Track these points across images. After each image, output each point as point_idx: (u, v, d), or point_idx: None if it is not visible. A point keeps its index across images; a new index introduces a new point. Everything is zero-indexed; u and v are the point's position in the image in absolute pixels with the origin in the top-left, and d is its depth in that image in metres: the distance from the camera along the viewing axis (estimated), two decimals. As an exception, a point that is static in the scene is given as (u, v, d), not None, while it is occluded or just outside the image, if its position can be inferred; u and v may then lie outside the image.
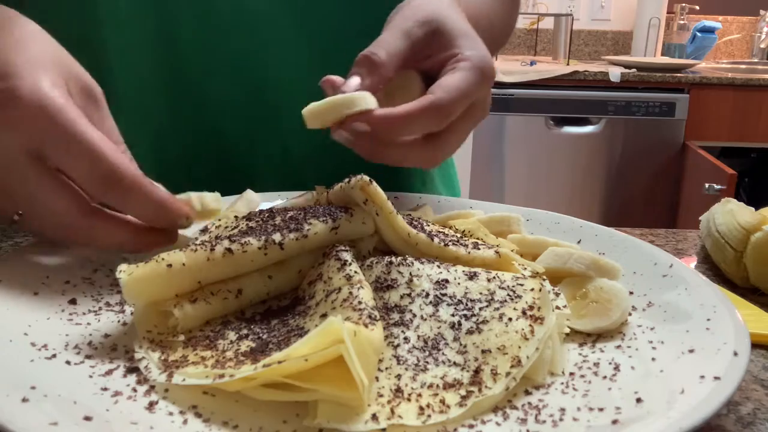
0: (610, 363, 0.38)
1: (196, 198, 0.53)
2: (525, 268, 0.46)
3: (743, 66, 2.88)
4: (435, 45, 0.53)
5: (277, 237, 0.42)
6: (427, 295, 0.40)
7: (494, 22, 0.75)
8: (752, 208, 0.58)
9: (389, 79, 0.51)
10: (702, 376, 0.34)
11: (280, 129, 0.71)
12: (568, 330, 0.41)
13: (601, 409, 0.33)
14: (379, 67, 0.50)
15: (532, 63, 2.56)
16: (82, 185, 0.44)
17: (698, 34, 2.78)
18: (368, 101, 0.47)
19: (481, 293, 0.41)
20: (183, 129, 0.69)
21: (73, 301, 0.43)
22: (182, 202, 0.47)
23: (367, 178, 0.46)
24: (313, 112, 0.47)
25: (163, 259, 0.39)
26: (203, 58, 0.66)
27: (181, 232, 0.48)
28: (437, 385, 0.35)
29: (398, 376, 0.35)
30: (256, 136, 0.71)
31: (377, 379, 0.35)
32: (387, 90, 0.52)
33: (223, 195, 0.57)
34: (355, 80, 0.49)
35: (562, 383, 0.36)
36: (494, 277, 0.42)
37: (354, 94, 0.47)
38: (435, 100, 0.48)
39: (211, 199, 0.54)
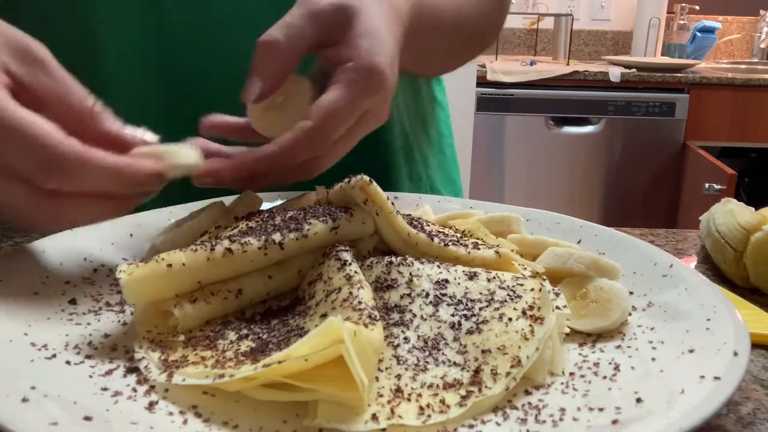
0: (610, 363, 0.38)
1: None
2: (525, 268, 0.46)
3: (743, 66, 2.88)
4: (340, 35, 0.48)
5: (277, 237, 0.42)
6: (427, 295, 0.40)
7: (465, 12, 0.71)
8: (752, 208, 0.58)
9: (289, 71, 0.48)
10: (702, 376, 0.34)
11: None
12: (568, 330, 0.41)
13: (601, 409, 0.33)
14: (281, 55, 0.46)
15: (532, 63, 2.56)
16: (27, 176, 0.41)
17: (698, 34, 2.78)
18: (190, 156, 0.46)
19: (481, 293, 0.41)
20: (177, 126, 0.68)
21: (73, 301, 0.43)
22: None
23: (367, 178, 0.46)
24: (143, 152, 0.45)
25: (163, 259, 0.39)
26: (200, 56, 0.66)
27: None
28: (437, 385, 0.35)
29: (398, 376, 0.35)
30: None
31: (377, 379, 0.35)
32: (274, 102, 0.49)
33: (217, 195, 0.57)
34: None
35: (562, 383, 0.36)
36: (494, 277, 0.42)
37: (176, 147, 0.46)
38: (310, 129, 0.45)
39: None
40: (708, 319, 0.40)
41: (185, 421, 0.32)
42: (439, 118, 0.87)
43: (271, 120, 0.49)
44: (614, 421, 0.32)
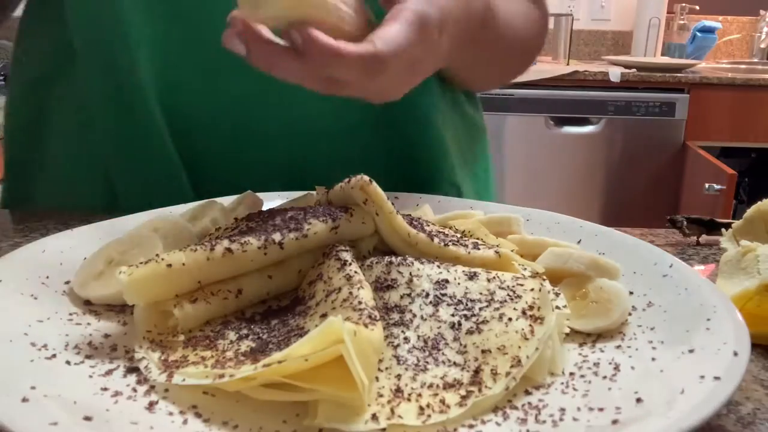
0: (610, 363, 0.38)
1: None
2: (525, 268, 0.46)
3: (743, 66, 2.87)
4: None
5: (276, 236, 0.42)
6: (427, 295, 0.40)
7: (525, 32, 0.72)
8: None
9: None
10: (702, 376, 0.34)
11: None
12: (568, 330, 0.41)
13: (601, 409, 0.34)
14: None
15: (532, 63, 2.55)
16: None
17: (698, 34, 2.78)
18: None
19: (481, 293, 0.41)
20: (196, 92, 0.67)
21: (73, 302, 0.43)
22: None
23: (367, 178, 0.46)
24: None
25: (163, 259, 0.39)
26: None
27: None
28: (437, 385, 0.35)
29: (398, 376, 0.35)
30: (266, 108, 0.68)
31: (377, 379, 0.35)
32: None
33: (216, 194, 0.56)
34: None
35: (562, 383, 0.36)
36: (494, 277, 0.42)
37: None
38: (376, 52, 0.43)
39: None
40: (708, 319, 0.40)
41: (185, 421, 0.32)
42: (485, 149, 0.85)
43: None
44: (614, 421, 0.32)
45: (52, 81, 0.70)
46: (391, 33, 0.44)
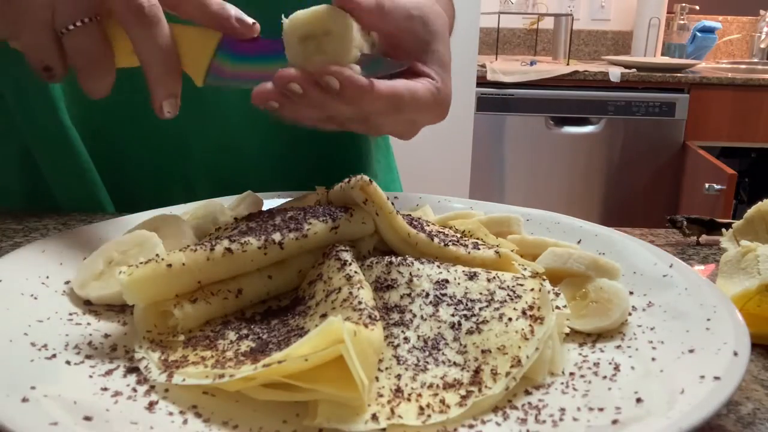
0: (610, 363, 0.38)
1: None
2: (525, 268, 0.46)
3: (743, 66, 2.88)
4: (413, 34, 0.51)
5: (276, 237, 0.42)
6: (427, 295, 0.40)
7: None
8: None
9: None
10: (702, 376, 0.34)
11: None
12: (568, 330, 0.41)
13: (601, 409, 0.33)
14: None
15: (532, 63, 2.56)
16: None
17: (698, 34, 2.78)
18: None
19: (481, 293, 0.41)
20: (119, 115, 0.69)
21: (73, 302, 0.43)
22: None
23: (367, 178, 0.46)
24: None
25: (163, 259, 0.39)
26: None
27: None
28: (437, 385, 0.35)
29: (398, 376, 0.35)
30: (192, 128, 0.71)
31: (377, 379, 0.35)
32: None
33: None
34: None
35: (562, 383, 0.36)
36: (494, 277, 0.42)
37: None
38: (407, 91, 0.47)
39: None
40: (708, 319, 0.40)
41: (185, 421, 0.32)
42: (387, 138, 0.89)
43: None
44: (614, 421, 0.32)
45: None
46: (418, 87, 0.49)
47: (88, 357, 0.37)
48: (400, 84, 0.47)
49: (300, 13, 0.44)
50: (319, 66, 0.44)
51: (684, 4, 2.82)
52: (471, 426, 0.33)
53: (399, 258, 0.43)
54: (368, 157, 0.80)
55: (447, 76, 0.52)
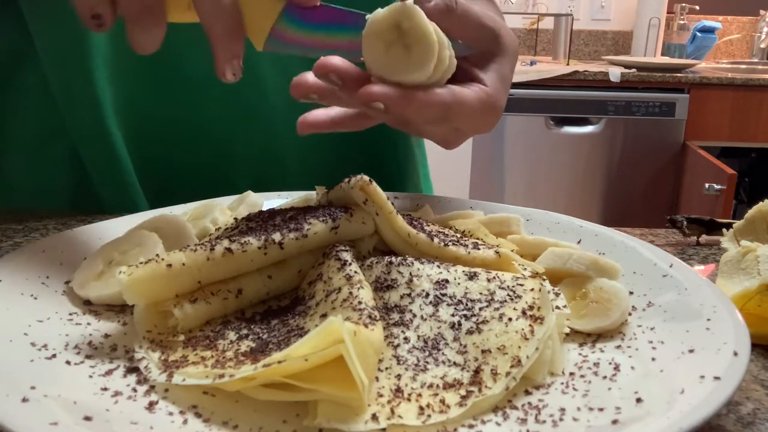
0: (610, 363, 0.38)
1: None
2: (525, 268, 0.46)
3: (743, 66, 2.88)
4: (480, 44, 0.51)
5: (276, 237, 0.42)
6: (427, 295, 0.40)
7: None
8: None
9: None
10: (702, 376, 0.34)
11: (259, 128, 0.71)
12: (568, 330, 0.41)
13: (601, 409, 0.33)
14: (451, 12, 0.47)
15: (532, 63, 2.56)
16: None
17: (698, 34, 2.78)
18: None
19: (481, 293, 0.41)
20: (164, 120, 0.70)
21: (73, 302, 0.43)
22: None
23: (367, 178, 0.46)
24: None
25: (163, 259, 0.39)
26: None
27: None
28: (437, 385, 0.35)
29: (398, 376, 0.35)
30: (236, 133, 0.72)
31: (377, 379, 0.35)
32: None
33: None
34: None
35: (562, 383, 0.36)
36: (494, 277, 0.42)
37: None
38: (453, 100, 0.45)
39: None
40: (708, 319, 0.40)
41: (185, 421, 0.32)
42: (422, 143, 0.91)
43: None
44: (614, 421, 0.32)
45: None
46: (469, 95, 0.47)
47: (88, 357, 0.37)
48: (446, 93, 0.46)
49: (379, 12, 0.43)
50: (398, 74, 0.43)
51: (684, 4, 2.82)
52: (471, 426, 0.33)
53: (399, 258, 0.43)
54: (413, 168, 0.80)
55: (502, 88, 0.51)
